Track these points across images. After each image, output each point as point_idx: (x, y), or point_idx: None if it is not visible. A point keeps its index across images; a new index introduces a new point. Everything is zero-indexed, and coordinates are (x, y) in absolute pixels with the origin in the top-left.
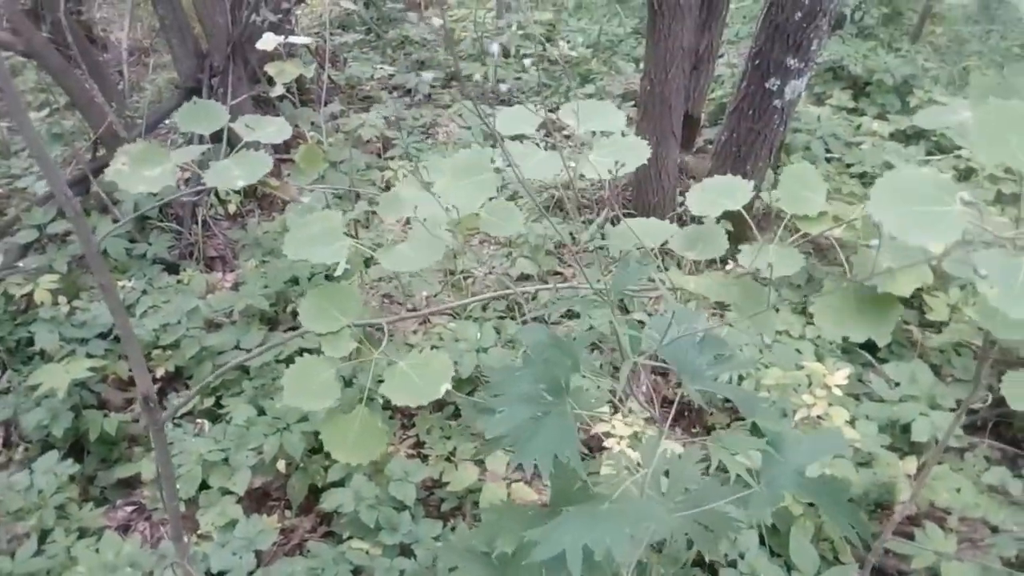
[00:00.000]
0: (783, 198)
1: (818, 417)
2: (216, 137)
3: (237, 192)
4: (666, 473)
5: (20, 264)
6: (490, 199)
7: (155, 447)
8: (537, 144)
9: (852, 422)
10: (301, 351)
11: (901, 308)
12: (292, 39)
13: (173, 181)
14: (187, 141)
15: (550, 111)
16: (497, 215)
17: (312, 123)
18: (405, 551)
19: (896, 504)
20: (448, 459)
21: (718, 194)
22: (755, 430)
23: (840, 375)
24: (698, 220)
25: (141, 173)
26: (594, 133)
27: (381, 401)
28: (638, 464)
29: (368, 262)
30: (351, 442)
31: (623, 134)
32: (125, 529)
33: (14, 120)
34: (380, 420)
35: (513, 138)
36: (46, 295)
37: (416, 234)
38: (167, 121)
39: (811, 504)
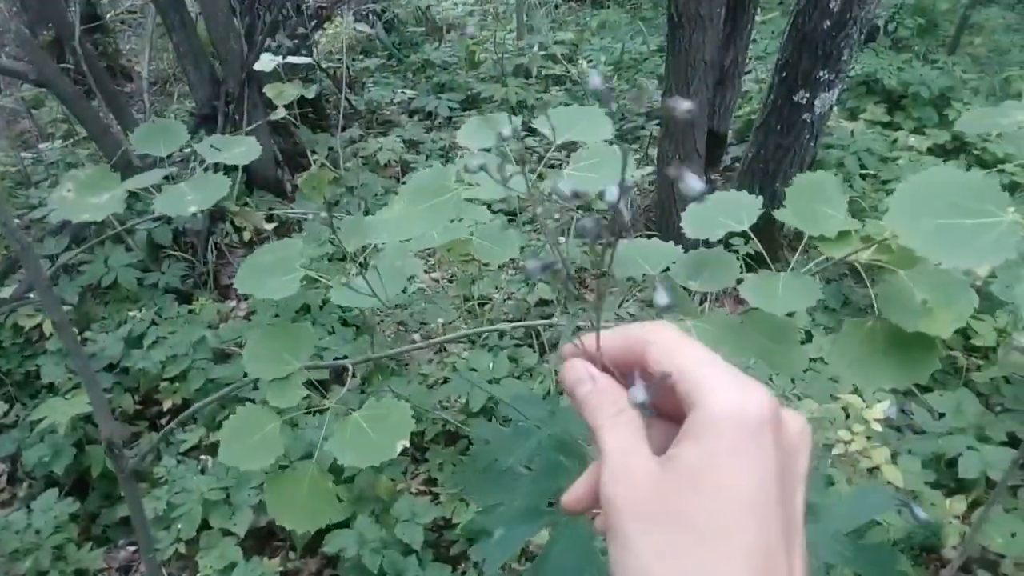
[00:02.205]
0: (794, 215)
1: (857, 453)
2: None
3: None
4: None
5: (31, 295)
6: (451, 222)
7: (124, 494)
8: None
9: (894, 457)
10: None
11: (940, 351)
12: (291, 59)
13: (120, 208)
14: (205, 168)
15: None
16: (489, 239)
17: (330, 148)
18: None
19: (943, 548)
20: (461, 499)
21: (720, 212)
22: None
23: (879, 408)
24: (725, 242)
25: (86, 200)
26: (573, 145)
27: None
28: None
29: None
30: (298, 507)
31: (611, 143)
32: (127, 571)
33: None
34: (330, 481)
35: (485, 151)
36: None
37: (381, 263)
38: (184, 150)
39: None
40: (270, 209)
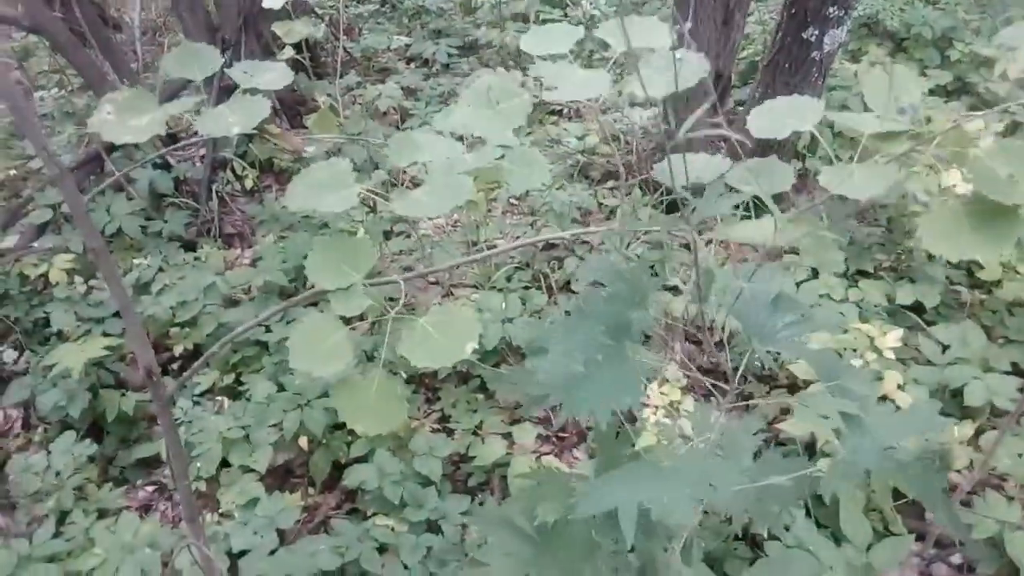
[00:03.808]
0: (871, 102)
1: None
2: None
3: (253, 166)
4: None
5: (35, 244)
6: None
7: (161, 423)
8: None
9: (902, 387)
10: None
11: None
12: None
13: (162, 131)
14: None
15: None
16: (520, 164)
17: (328, 95)
18: (432, 527)
19: (950, 472)
20: (475, 433)
21: (785, 113)
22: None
23: (892, 337)
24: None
25: (127, 123)
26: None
27: (404, 375)
28: (682, 436)
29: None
30: (368, 411)
31: (672, 49)
32: (146, 509)
33: None
34: (399, 386)
35: (544, 59)
36: (61, 275)
37: (433, 178)
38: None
39: None
40: (304, 136)
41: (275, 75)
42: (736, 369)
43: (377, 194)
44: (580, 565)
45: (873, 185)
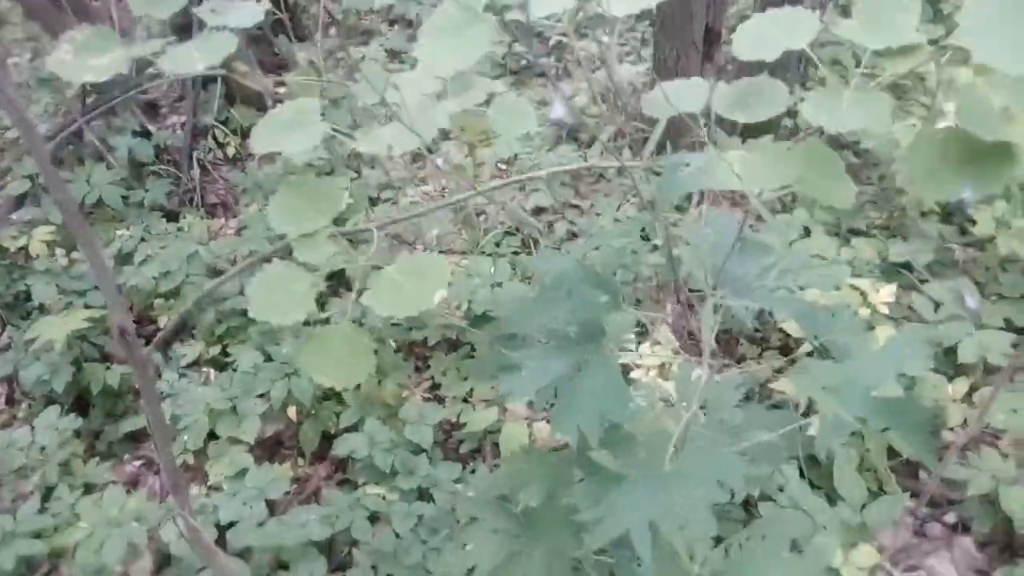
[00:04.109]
0: (863, 22)
1: None
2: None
3: (236, 134)
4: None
5: (14, 217)
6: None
7: (140, 387)
8: None
9: None
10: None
11: (1018, 160)
12: None
13: (124, 69)
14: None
15: None
16: (506, 112)
17: (311, 61)
18: (423, 495)
19: (944, 429)
20: (465, 400)
21: (775, 28)
22: (821, 353)
23: (885, 292)
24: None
25: (86, 62)
26: None
27: (394, 344)
28: (669, 399)
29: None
30: (334, 362)
31: None
32: (134, 484)
33: None
34: (366, 337)
35: None
36: (42, 247)
37: (403, 113)
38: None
39: (852, 432)
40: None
41: (244, 13)
42: (712, 327)
43: (344, 133)
44: (566, 544)
45: (864, 115)
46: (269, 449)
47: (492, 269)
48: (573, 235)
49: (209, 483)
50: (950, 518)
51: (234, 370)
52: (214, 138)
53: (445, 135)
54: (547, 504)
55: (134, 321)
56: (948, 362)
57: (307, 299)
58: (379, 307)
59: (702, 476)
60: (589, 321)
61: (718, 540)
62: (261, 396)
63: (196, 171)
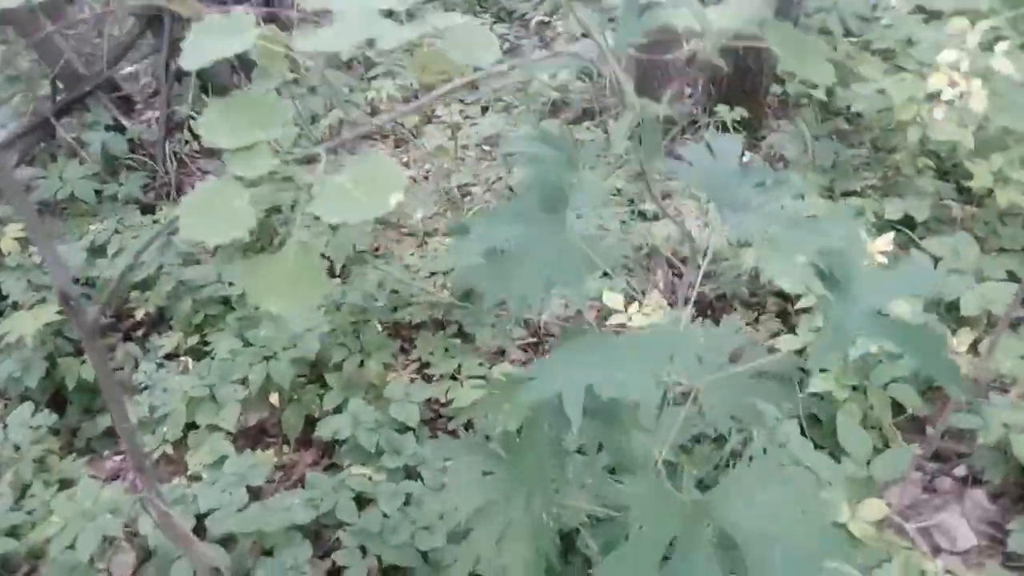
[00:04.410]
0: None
1: None
2: None
3: None
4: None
5: None
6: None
7: (88, 355)
8: None
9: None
10: None
11: None
12: None
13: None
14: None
15: None
16: (461, 40)
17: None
18: (411, 474)
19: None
20: (453, 377)
21: None
22: (822, 275)
23: (882, 241)
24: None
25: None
26: None
27: (379, 326)
28: None
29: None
30: (282, 285)
31: None
32: (113, 479)
33: None
34: (316, 257)
35: None
36: (13, 244)
37: (344, 16)
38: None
39: (855, 388)
40: None
41: None
42: (699, 268)
43: (276, 42)
44: (548, 474)
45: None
46: (253, 438)
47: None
48: None
49: (189, 473)
50: (960, 471)
51: (212, 358)
52: (190, 130)
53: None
54: (525, 433)
55: (113, 316)
56: (951, 318)
57: (246, 215)
58: (328, 215)
59: (653, 350)
60: (549, 187)
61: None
62: (240, 382)
63: (172, 164)
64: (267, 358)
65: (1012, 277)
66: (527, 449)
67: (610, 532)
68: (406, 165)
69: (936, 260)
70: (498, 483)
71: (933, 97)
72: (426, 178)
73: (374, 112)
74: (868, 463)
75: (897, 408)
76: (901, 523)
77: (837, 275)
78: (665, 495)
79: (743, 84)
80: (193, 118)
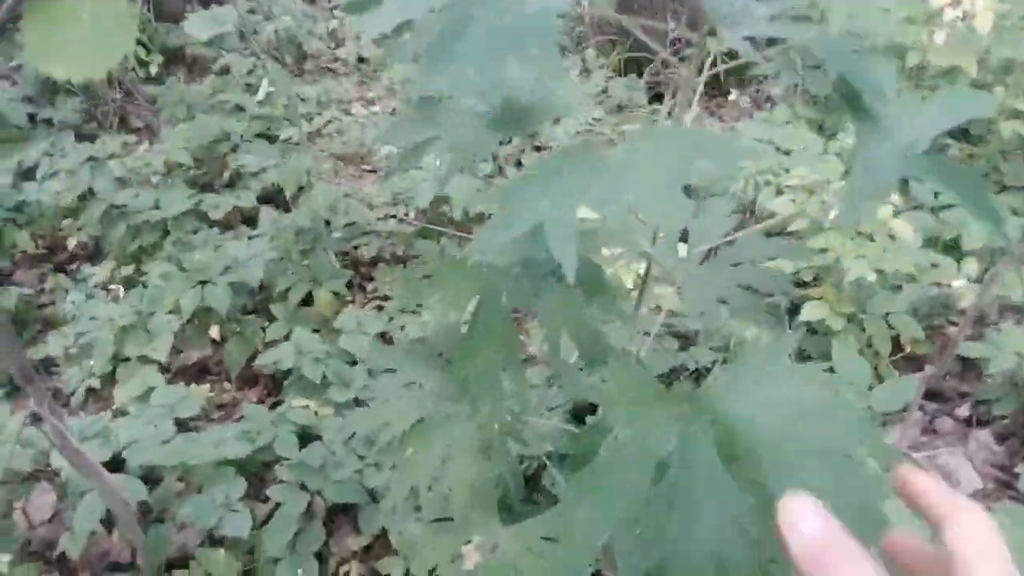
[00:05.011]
0: None
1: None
2: None
3: (160, 52)
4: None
5: None
6: None
7: None
8: None
9: (891, 237)
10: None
11: None
12: None
13: None
14: None
15: None
16: None
17: None
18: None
19: (957, 307)
20: (414, 312)
21: None
22: (850, 101)
23: None
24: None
25: None
26: None
27: (336, 263)
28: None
29: None
30: (76, 39)
31: None
32: (37, 417)
33: None
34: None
35: None
36: None
37: None
38: None
39: (850, 319)
40: None
41: None
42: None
43: None
44: (497, 374)
45: None
46: (193, 376)
47: (437, 162)
48: (537, 149)
49: (115, 407)
50: (963, 411)
51: (145, 286)
52: (136, 57)
53: None
54: (475, 321)
55: (46, 247)
56: (954, 254)
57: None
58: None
59: (669, 151)
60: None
61: None
62: (173, 312)
63: (117, 91)
64: (202, 283)
65: (1017, 215)
66: (476, 342)
67: (583, 463)
68: (370, 102)
69: (936, 192)
70: (438, 390)
71: (934, 19)
72: (392, 115)
73: (337, 45)
74: (869, 389)
75: (894, 347)
76: (908, 453)
77: (870, 102)
78: (655, 389)
79: None
80: (142, 44)
